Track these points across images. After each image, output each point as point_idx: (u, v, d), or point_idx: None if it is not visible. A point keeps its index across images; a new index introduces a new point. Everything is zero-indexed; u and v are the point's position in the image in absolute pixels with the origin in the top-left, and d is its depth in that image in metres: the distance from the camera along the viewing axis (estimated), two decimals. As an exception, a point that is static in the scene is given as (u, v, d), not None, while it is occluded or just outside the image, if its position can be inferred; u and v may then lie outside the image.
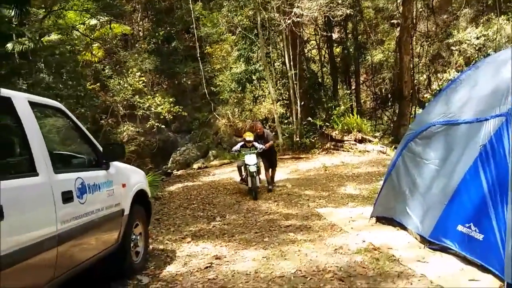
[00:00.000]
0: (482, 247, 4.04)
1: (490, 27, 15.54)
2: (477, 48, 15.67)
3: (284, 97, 18.18)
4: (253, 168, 8.70)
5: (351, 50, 20.05)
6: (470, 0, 17.55)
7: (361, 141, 14.75)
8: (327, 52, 20.20)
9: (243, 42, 17.67)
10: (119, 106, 16.48)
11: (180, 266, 4.92)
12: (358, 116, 16.01)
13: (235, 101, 18.88)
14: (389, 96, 20.54)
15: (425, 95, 17.97)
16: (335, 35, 19.86)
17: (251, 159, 8.81)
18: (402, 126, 15.04)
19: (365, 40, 20.02)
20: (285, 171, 11.81)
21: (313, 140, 15.48)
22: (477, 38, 15.67)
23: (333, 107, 16.66)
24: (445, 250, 4.54)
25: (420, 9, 18.79)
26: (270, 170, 9.66)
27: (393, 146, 13.17)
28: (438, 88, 16.09)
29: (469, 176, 4.44)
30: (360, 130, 15.14)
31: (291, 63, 15.67)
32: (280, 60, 18.18)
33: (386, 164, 10.30)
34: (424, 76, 19.01)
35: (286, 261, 4.81)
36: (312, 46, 20.84)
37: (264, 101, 18.56)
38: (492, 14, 16.14)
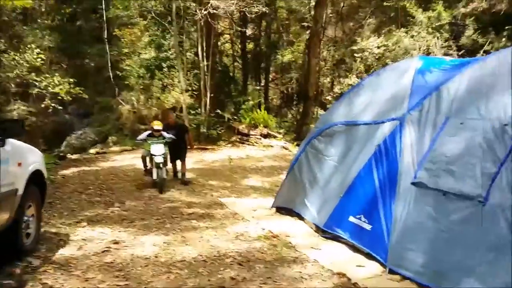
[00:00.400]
0: (370, 236, 4.41)
1: (390, 38, 16.51)
2: (377, 57, 16.58)
3: (194, 88, 18.00)
4: (159, 159, 8.03)
5: (263, 47, 20.46)
6: (375, 11, 18.61)
7: (266, 136, 15.13)
8: (240, 47, 20.38)
9: (156, 28, 17.17)
10: (10, 83, 15.10)
11: (74, 250, 4.69)
12: (266, 112, 16.38)
13: (141, 87, 18.26)
14: (295, 95, 21.28)
15: (327, 97, 18.87)
16: (249, 31, 20.15)
17: (158, 149, 8.11)
18: (305, 125, 15.66)
19: (277, 39, 20.54)
20: (190, 161, 11.64)
21: (220, 132, 15.53)
22: (378, 48, 16.45)
23: (242, 101, 16.88)
24: (336, 239, 4.88)
25: (330, 15, 19.63)
26: (179, 162, 9.34)
27: (295, 143, 13.63)
28: (339, 92, 16.94)
29: (364, 172, 4.81)
30: (266, 125, 15.52)
31: (204, 55, 15.57)
32: (192, 51, 17.95)
33: (288, 159, 10.78)
34: (328, 79, 19.89)
35: (188, 247, 4.82)
36: (226, 40, 20.89)
37: (173, 90, 18.20)
38: (393, 26, 17.10)
